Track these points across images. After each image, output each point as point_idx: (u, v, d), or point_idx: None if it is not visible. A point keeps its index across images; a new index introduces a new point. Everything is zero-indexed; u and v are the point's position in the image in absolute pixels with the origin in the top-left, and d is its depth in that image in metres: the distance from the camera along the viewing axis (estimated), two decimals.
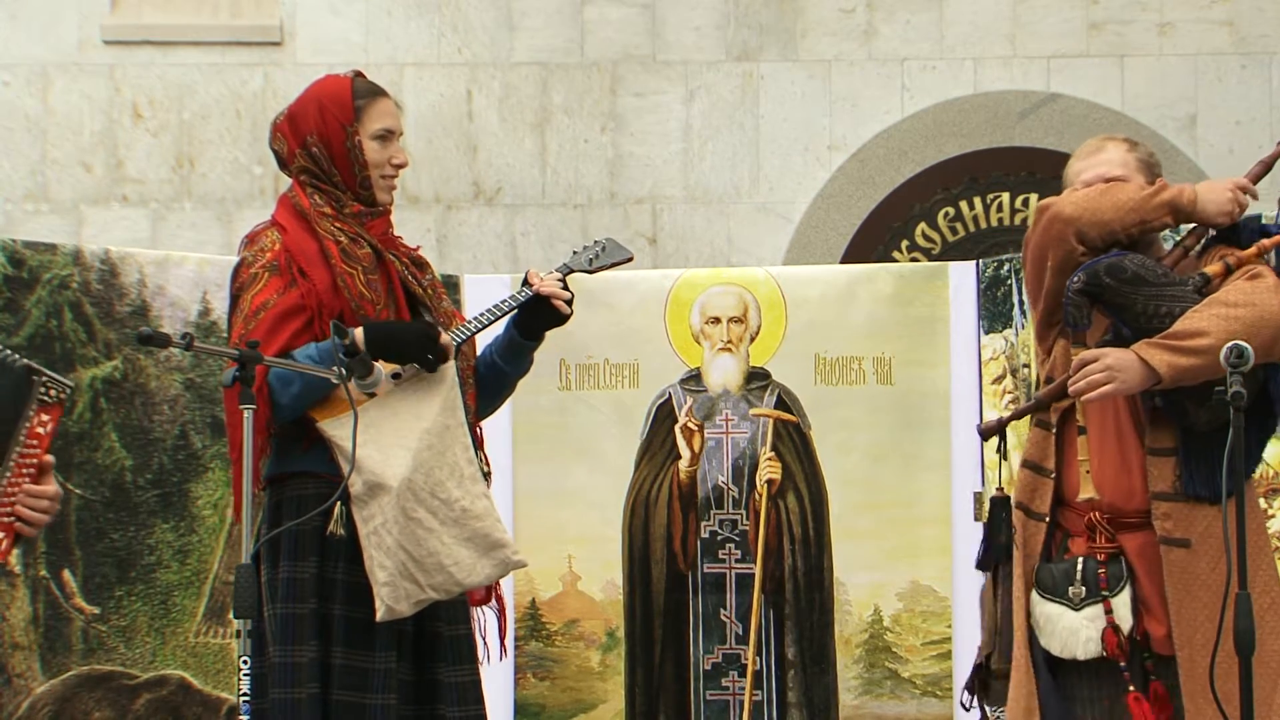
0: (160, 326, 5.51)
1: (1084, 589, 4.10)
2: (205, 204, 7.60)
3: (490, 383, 4.47)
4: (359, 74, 4.45)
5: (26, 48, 7.62)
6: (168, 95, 7.62)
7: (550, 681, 5.85)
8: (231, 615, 4.93)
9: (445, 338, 4.26)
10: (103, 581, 5.52)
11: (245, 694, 3.84)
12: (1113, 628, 4.07)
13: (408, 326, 4.26)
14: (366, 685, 4.16)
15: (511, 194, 7.57)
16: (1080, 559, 4.12)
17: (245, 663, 3.84)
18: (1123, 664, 4.08)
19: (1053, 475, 4.18)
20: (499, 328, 4.46)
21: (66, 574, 5.49)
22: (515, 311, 4.38)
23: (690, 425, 5.82)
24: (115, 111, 7.62)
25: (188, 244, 7.38)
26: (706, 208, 7.55)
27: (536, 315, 4.39)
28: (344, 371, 4.03)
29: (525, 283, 4.38)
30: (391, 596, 4.14)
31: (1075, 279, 4.06)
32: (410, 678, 4.24)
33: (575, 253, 4.52)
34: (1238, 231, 4.21)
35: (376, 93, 4.40)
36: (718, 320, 5.86)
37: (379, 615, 4.13)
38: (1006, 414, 4.36)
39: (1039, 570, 4.18)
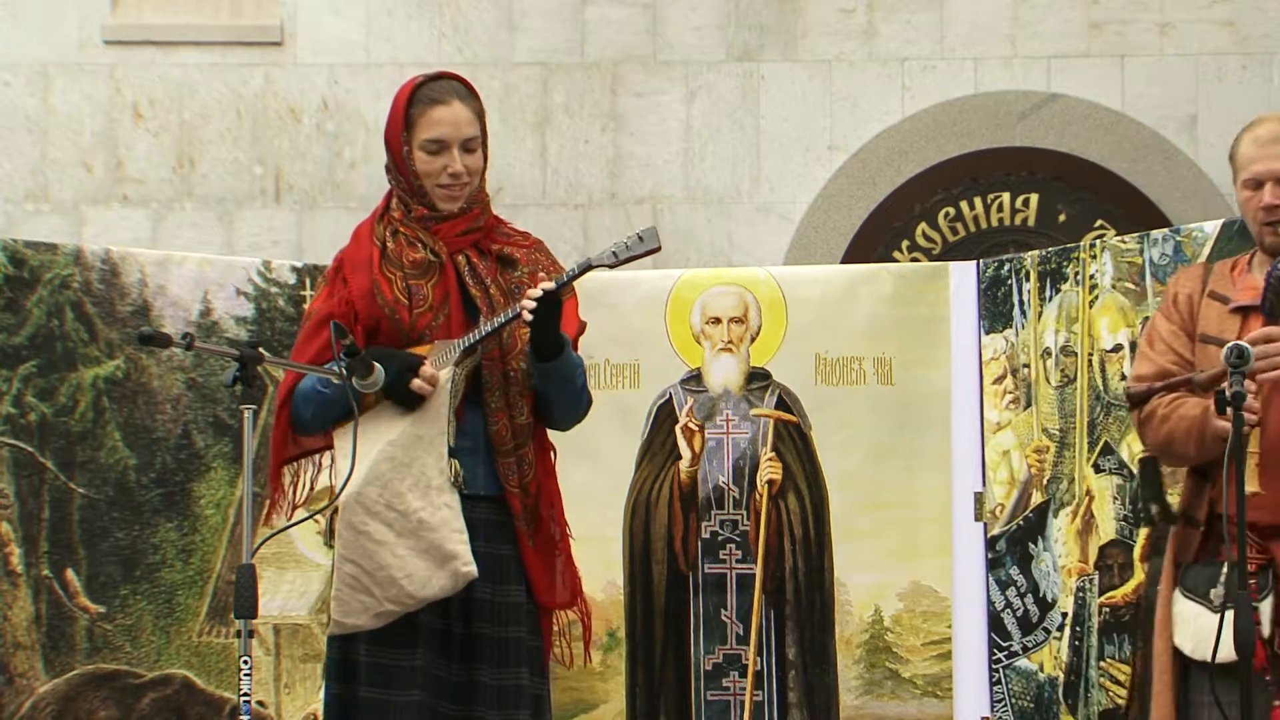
0: (161, 326, 5.52)
1: (1224, 591, 4.02)
2: (206, 204, 7.60)
3: (543, 402, 4.32)
4: (437, 76, 4.33)
5: (27, 48, 7.63)
6: (168, 95, 7.62)
7: (551, 682, 5.85)
8: (233, 615, 4.93)
9: (424, 376, 4.13)
10: (107, 580, 5.53)
11: (246, 694, 3.85)
12: (1261, 640, 3.98)
13: (390, 358, 4.15)
14: (392, 682, 4.17)
15: (512, 194, 7.57)
16: (1227, 564, 4.02)
17: (246, 662, 3.85)
18: (1268, 677, 4.00)
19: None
20: None
21: (70, 573, 5.50)
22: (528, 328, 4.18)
23: (691, 425, 5.82)
24: (115, 111, 7.62)
25: (188, 244, 7.38)
26: (707, 208, 7.55)
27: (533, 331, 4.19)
28: (345, 371, 4.04)
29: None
30: (340, 610, 4.18)
31: (1278, 267, 4.04)
32: (461, 679, 4.23)
33: (620, 245, 4.21)
34: None
35: (435, 100, 4.26)
36: (718, 320, 5.86)
37: (329, 629, 4.21)
38: (1159, 385, 4.22)
39: (1185, 570, 4.15)
